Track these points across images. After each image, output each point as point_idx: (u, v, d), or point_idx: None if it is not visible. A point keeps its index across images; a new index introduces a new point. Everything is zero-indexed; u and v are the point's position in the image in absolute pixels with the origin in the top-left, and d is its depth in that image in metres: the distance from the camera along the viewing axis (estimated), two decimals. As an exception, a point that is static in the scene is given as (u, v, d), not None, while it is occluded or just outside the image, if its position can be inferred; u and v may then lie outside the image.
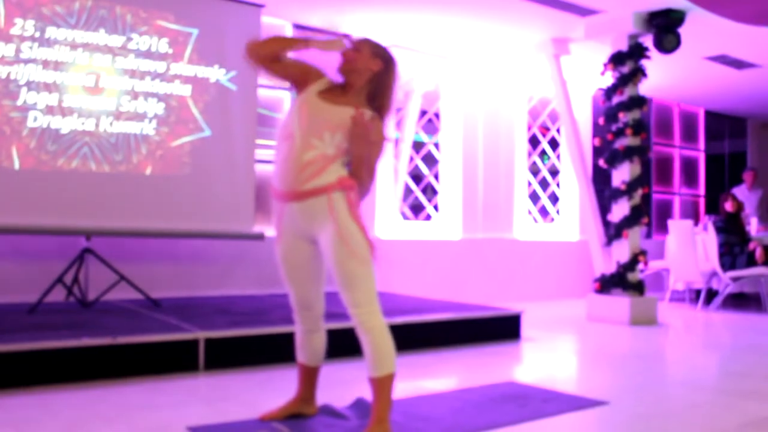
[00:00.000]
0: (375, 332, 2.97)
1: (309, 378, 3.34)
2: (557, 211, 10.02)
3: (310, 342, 3.29)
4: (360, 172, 3.05)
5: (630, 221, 7.12)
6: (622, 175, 7.22)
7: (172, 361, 4.33)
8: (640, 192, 7.19)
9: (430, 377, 4.46)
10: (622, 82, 7.19)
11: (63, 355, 3.99)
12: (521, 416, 3.38)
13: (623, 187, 7.15)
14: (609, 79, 7.37)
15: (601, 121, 7.49)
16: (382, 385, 2.95)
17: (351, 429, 3.10)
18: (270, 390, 3.88)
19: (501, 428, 3.19)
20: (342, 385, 3.97)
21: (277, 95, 7.35)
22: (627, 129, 7.12)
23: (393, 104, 3.19)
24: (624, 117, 7.17)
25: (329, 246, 3.00)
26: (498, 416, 3.37)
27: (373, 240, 3.04)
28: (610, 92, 7.31)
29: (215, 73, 6.30)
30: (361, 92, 3.12)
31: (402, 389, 3.97)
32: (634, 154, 7.15)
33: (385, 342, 2.98)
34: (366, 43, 3.15)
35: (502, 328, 5.86)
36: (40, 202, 5.55)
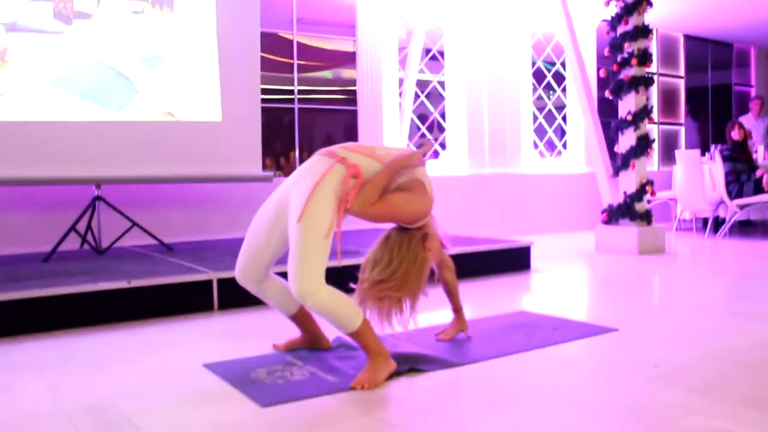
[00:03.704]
0: (322, 307, 2.76)
1: (300, 322, 3.33)
2: (564, 145, 10.01)
3: (265, 294, 3.23)
4: (378, 180, 2.84)
5: (637, 151, 7.11)
6: (628, 105, 7.20)
7: (186, 302, 4.41)
8: (646, 122, 7.17)
9: (440, 309, 4.51)
10: (627, 11, 7.11)
11: (81, 299, 4.07)
12: (531, 344, 3.41)
13: (629, 117, 7.13)
14: (613, 9, 7.28)
15: (606, 52, 7.44)
16: (358, 336, 2.84)
17: (364, 359, 3.12)
18: (283, 326, 3.93)
19: (510, 356, 3.22)
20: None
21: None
22: (632, 59, 7.07)
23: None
24: (629, 47, 7.11)
25: (294, 201, 2.84)
26: (507, 344, 3.41)
27: (335, 224, 2.79)
28: (614, 22, 7.24)
29: (217, 22, 6.26)
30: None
31: (414, 321, 4.03)
32: (640, 84, 7.11)
33: (337, 308, 2.77)
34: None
35: (512, 260, 5.93)
36: (50, 152, 5.58)
